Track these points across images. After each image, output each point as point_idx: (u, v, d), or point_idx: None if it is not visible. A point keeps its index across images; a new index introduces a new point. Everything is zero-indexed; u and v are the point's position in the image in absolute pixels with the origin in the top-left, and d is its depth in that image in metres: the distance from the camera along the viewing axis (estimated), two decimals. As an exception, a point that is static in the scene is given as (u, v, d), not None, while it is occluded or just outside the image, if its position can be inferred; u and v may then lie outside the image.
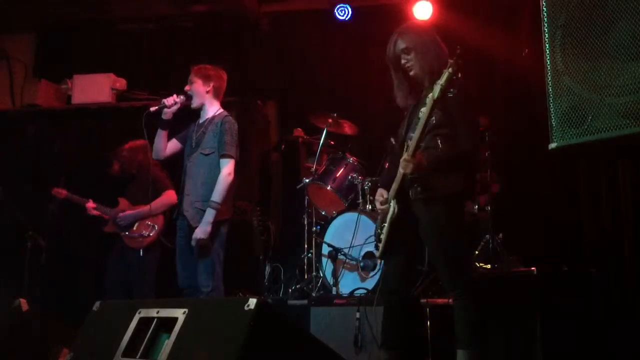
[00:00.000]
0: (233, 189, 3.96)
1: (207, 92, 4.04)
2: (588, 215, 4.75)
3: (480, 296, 2.88)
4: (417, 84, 3.07)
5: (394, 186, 2.96)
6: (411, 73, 3.03)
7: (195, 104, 4.05)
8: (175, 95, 3.99)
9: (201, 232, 3.78)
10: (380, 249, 3.03)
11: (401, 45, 3.02)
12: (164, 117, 4.00)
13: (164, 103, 3.97)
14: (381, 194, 3.07)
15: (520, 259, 4.54)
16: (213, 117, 4.03)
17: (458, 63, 2.69)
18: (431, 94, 2.75)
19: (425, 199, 2.89)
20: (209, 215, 3.78)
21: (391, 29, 3.16)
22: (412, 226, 2.95)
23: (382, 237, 3.00)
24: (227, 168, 3.86)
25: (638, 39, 2.28)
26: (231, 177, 3.86)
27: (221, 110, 4.09)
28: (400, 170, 2.87)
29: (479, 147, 3.12)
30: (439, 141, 2.90)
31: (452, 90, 2.74)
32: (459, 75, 2.70)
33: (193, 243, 3.80)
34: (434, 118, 2.86)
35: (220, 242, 3.90)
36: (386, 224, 2.97)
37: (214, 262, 3.84)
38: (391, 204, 2.96)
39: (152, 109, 3.97)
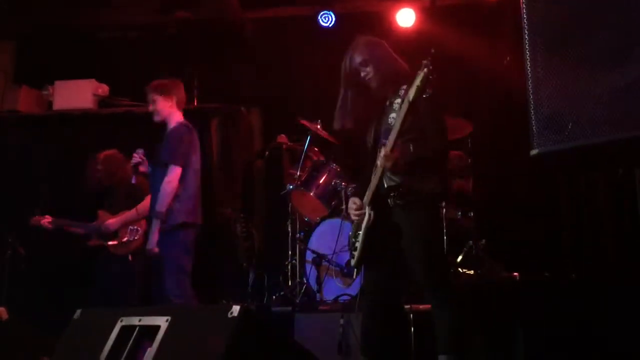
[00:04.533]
0: (195, 192, 4.03)
1: (171, 106, 4.12)
2: (568, 221, 4.80)
3: (460, 302, 2.90)
4: (376, 97, 3.07)
5: (368, 193, 2.96)
6: (373, 85, 3.04)
7: (157, 118, 4.15)
8: (135, 154, 4.16)
9: (148, 243, 3.89)
10: (355, 257, 2.99)
11: (358, 59, 3.05)
12: (144, 169, 4.19)
13: (135, 165, 4.18)
14: (354, 201, 3.06)
15: (503, 265, 4.57)
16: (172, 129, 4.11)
17: (432, 63, 2.71)
18: (406, 97, 2.75)
19: (404, 204, 2.90)
20: (154, 225, 3.88)
21: (375, 36, 3.18)
22: (390, 233, 2.94)
23: (357, 245, 2.97)
24: (168, 176, 3.91)
25: (618, 48, 2.31)
26: (171, 185, 3.90)
27: (181, 120, 4.14)
28: (379, 166, 2.87)
29: (449, 148, 3.16)
30: (411, 146, 2.92)
31: (427, 91, 2.75)
32: (434, 76, 2.71)
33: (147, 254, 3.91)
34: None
35: (181, 249, 3.91)
36: (361, 232, 2.95)
37: (175, 270, 3.86)
38: (366, 210, 2.95)
39: (134, 181, 4.33)
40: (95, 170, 4.93)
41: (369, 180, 2.99)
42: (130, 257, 4.70)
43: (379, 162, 2.88)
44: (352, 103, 3.09)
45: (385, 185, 2.94)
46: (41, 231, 5.31)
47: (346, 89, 3.11)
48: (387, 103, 3.06)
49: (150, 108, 4.14)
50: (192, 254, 4.00)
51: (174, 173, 3.92)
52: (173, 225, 3.91)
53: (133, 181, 4.37)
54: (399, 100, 2.88)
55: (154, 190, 4.02)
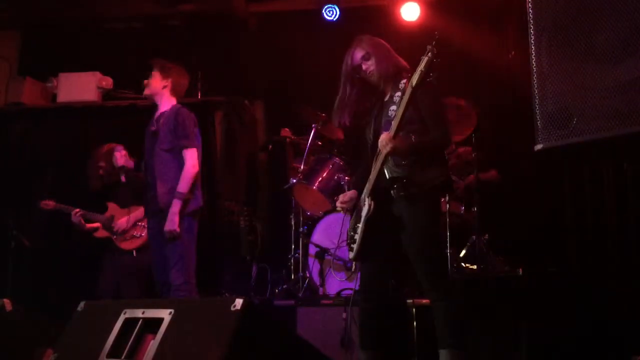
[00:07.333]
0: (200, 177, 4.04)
1: (164, 87, 3.97)
2: (572, 216, 4.79)
3: (459, 295, 2.89)
4: (373, 91, 3.10)
5: (368, 185, 2.96)
6: (373, 78, 3.07)
7: (146, 91, 3.99)
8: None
9: (169, 224, 3.74)
10: (354, 250, 2.99)
11: (360, 53, 3.08)
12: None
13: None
14: (343, 194, 3.12)
15: (506, 260, 4.56)
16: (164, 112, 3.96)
17: (437, 47, 2.66)
18: (408, 85, 2.73)
19: (407, 196, 2.89)
20: (174, 206, 3.74)
21: (379, 30, 3.18)
22: (389, 226, 2.93)
23: (357, 237, 2.97)
24: (190, 160, 3.81)
25: (622, 43, 2.31)
26: (195, 168, 3.81)
27: (176, 104, 3.99)
28: (380, 150, 2.86)
29: (450, 139, 3.16)
30: (413, 137, 2.92)
31: (431, 75, 2.71)
32: (438, 59, 2.66)
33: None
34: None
35: (192, 237, 3.85)
36: (361, 224, 2.95)
37: (184, 257, 3.80)
38: (366, 202, 2.95)
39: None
40: (97, 167, 4.92)
41: (368, 174, 2.99)
42: (134, 253, 4.71)
43: (379, 146, 2.86)
44: (351, 99, 3.11)
45: (388, 177, 2.92)
46: (44, 224, 5.34)
47: (346, 85, 3.13)
48: (387, 97, 3.06)
49: (146, 82, 4.00)
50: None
51: (194, 156, 3.82)
52: (192, 210, 3.83)
53: (122, 179, 4.72)
54: (399, 94, 2.87)
55: (161, 175, 3.86)
